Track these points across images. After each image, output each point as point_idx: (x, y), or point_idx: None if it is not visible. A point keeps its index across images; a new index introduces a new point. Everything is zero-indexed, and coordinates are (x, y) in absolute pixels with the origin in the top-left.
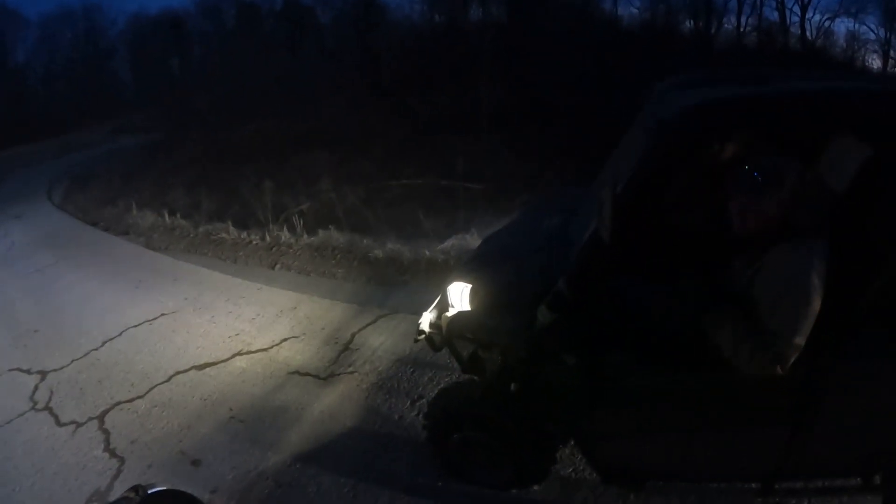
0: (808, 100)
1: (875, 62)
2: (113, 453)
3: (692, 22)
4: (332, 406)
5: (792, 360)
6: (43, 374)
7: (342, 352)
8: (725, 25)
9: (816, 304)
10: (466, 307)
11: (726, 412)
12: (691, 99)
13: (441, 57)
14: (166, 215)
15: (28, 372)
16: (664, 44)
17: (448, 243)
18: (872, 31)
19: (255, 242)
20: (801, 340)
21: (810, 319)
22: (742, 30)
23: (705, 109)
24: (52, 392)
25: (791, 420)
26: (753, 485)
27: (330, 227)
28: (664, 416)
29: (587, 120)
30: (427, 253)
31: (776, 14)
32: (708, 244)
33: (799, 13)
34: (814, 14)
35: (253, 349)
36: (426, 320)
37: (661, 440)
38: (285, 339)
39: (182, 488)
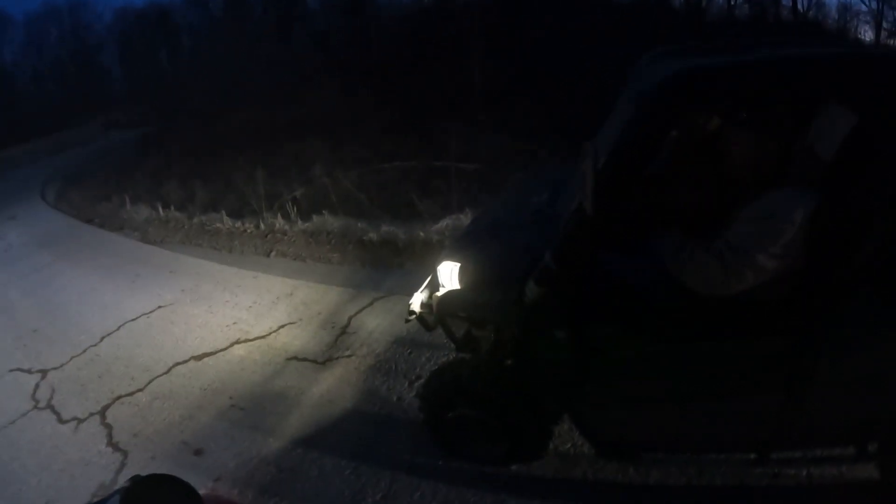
0: (791, 66)
1: (867, 33)
2: (116, 447)
3: None
4: (331, 390)
5: (748, 280)
6: (43, 373)
7: (339, 336)
8: None
9: (788, 234)
10: (456, 286)
11: (718, 381)
12: (671, 69)
13: (431, 37)
14: (160, 208)
15: (29, 371)
16: (656, 17)
17: (442, 224)
18: (864, 2)
19: (249, 231)
20: (763, 261)
21: (778, 246)
22: (734, 2)
23: (685, 78)
24: (53, 390)
25: (784, 388)
26: (750, 455)
27: (324, 212)
28: (655, 386)
29: (580, 95)
30: (422, 234)
31: None
32: (699, 213)
33: None
34: None
35: (251, 337)
36: (417, 301)
37: (653, 411)
38: (283, 326)
39: (185, 478)
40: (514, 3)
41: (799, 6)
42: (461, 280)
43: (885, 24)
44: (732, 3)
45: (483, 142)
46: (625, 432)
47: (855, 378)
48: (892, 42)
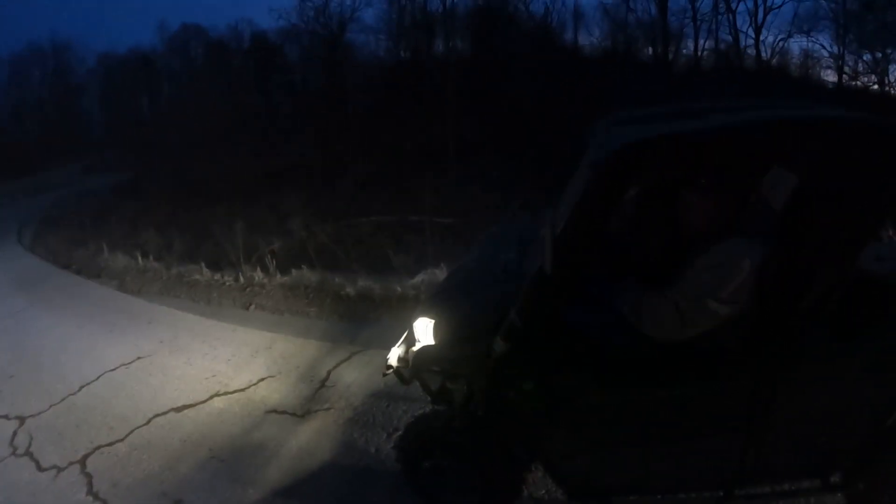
0: (733, 134)
1: (830, 77)
2: (96, 496)
3: (651, 49)
4: (311, 442)
5: (702, 325)
6: (21, 420)
7: (318, 389)
8: (682, 50)
9: (738, 280)
10: (431, 341)
11: (681, 424)
12: (622, 138)
13: (406, 92)
14: (139, 257)
15: (6, 418)
16: (624, 71)
17: (418, 278)
18: (825, 48)
19: (228, 283)
20: (715, 307)
21: (728, 292)
22: (700, 54)
23: (634, 148)
24: (31, 437)
25: (745, 427)
26: (719, 493)
27: (302, 266)
28: (620, 432)
29: (550, 149)
30: (398, 289)
31: (731, 37)
32: (656, 265)
33: (753, 35)
34: (767, 35)
35: (230, 389)
36: (394, 355)
37: (620, 456)
38: (262, 379)
39: None
40: (488, 60)
41: (763, 54)
42: (435, 335)
43: (846, 69)
44: (699, 54)
45: (457, 195)
46: (595, 477)
47: (814, 413)
48: (854, 84)
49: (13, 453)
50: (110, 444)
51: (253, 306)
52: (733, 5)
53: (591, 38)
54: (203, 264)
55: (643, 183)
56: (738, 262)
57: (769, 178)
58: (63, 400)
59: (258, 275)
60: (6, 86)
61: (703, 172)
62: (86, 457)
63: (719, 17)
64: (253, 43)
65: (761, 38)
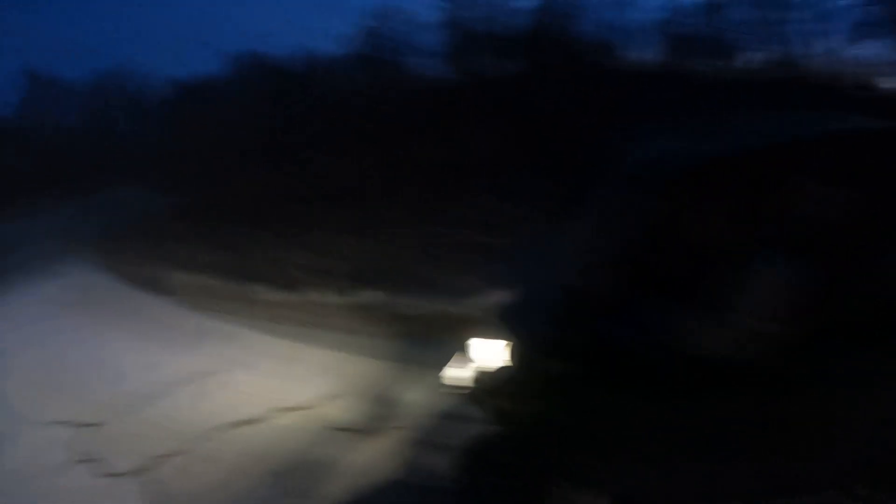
0: (777, 152)
1: (887, 84)
2: None
3: (699, 62)
4: (372, 459)
5: (738, 341)
6: (85, 428)
7: (380, 408)
8: (732, 64)
9: (771, 297)
10: (493, 363)
11: (715, 437)
12: (655, 155)
13: (457, 110)
14: (205, 276)
15: (71, 425)
16: (672, 85)
17: (480, 299)
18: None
19: (292, 302)
20: (750, 324)
21: (763, 309)
22: (754, 65)
23: (662, 166)
24: (94, 445)
25: (781, 440)
26: None
27: (366, 285)
28: (662, 446)
29: (589, 165)
30: (462, 310)
31: (782, 48)
32: (693, 282)
33: (805, 45)
34: (826, 43)
35: (294, 406)
36: (454, 375)
37: (657, 469)
38: (325, 397)
39: None
40: (524, 77)
41: (814, 64)
42: (496, 357)
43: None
44: (754, 65)
45: (504, 212)
46: (640, 491)
47: (840, 426)
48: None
49: (75, 460)
50: (172, 456)
51: (316, 325)
52: (788, 14)
53: (637, 52)
54: (267, 283)
55: (686, 199)
56: (774, 279)
57: (798, 194)
58: (127, 410)
59: (322, 295)
60: (72, 111)
61: (748, 188)
62: (146, 466)
63: (769, 27)
64: (309, 68)
65: (814, 47)
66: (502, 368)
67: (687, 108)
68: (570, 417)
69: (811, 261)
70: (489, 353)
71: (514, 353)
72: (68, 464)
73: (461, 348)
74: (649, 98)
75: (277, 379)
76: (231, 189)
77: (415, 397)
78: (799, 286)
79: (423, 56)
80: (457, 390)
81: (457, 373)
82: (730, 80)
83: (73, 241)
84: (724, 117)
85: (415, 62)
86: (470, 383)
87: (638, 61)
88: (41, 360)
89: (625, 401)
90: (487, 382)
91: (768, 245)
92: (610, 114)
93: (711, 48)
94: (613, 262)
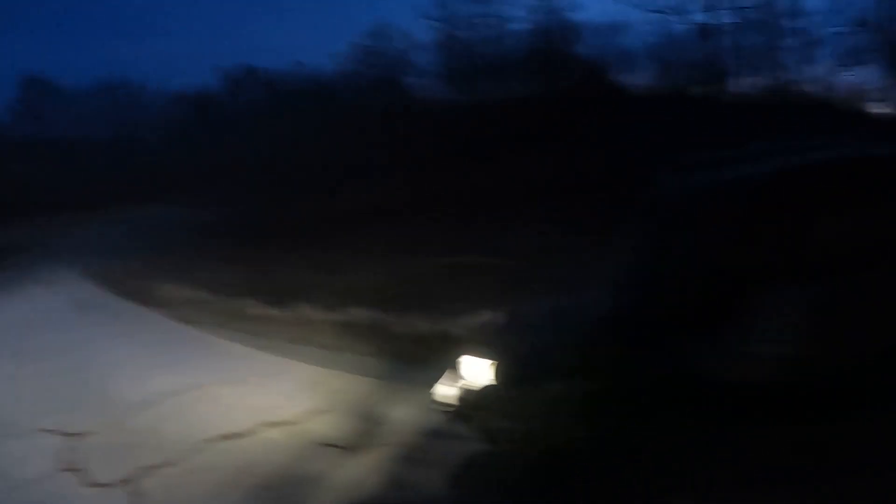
0: (798, 177)
1: (881, 109)
2: None
3: (702, 87)
4: (360, 476)
5: (767, 367)
6: (73, 437)
7: (369, 425)
8: (732, 88)
9: (795, 324)
10: (485, 381)
11: (733, 468)
12: (684, 185)
13: (468, 133)
14: (197, 289)
15: (58, 433)
16: (678, 110)
17: (473, 319)
18: (873, 80)
19: (283, 318)
20: (777, 349)
21: (787, 334)
22: (749, 91)
23: (702, 193)
24: (81, 454)
25: (799, 471)
26: None
27: (357, 303)
28: (676, 475)
29: (613, 191)
30: (453, 329)
31: (778, 73)
32: (719, 304)
33: (801, 70)
34: (818, 68)
35: (282, 421)
36: (444, 392)
37: (676, 500)
38: (313, 412)
39: None
40: (559, 102)
41: (812, 89)
42: (490, 374)
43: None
44: (749, 91)
45: (518, 236)
46: None
47: (868, 456)
48: None
49: (62, 468)
50: (160, 467)
51: (307, 342)
52: (781, 42)
53: (644, 76)
54: (260, 298)
55: (705, 226)
56: (798, 306)
57: (832, 219)
58: (116, 420)
59: (313, 311)
60: (75, 120)
61: (771, 215)
62: (134, 477)
63: (767, 52)
64: (312, 85)
65: (810, 72)
66: (494, 387)
67: (690, 133)
68: (578, 440)
69: (833, 286)
70: (480, 372)
71: (507, 373)
72: (54, 473)
73: (452, 366)
74: (653, 123)
75: (266, 393)
76: (222, 204)
77: (404, 414)
78: (822, 311)
79: (419, 76)
80: (446, 408)
81: (447, 390)
82: (726, 104)
83: (64, 252)
84: (732, 143)
85: (411, 82)
86: (460, 401)
87: (633, 85)
88: (29, 369)
89: (639, 426)
90: (478, 400)
91: (792, 271)
92: (613, 139)
93: (705, 73)
94: (636, 288)
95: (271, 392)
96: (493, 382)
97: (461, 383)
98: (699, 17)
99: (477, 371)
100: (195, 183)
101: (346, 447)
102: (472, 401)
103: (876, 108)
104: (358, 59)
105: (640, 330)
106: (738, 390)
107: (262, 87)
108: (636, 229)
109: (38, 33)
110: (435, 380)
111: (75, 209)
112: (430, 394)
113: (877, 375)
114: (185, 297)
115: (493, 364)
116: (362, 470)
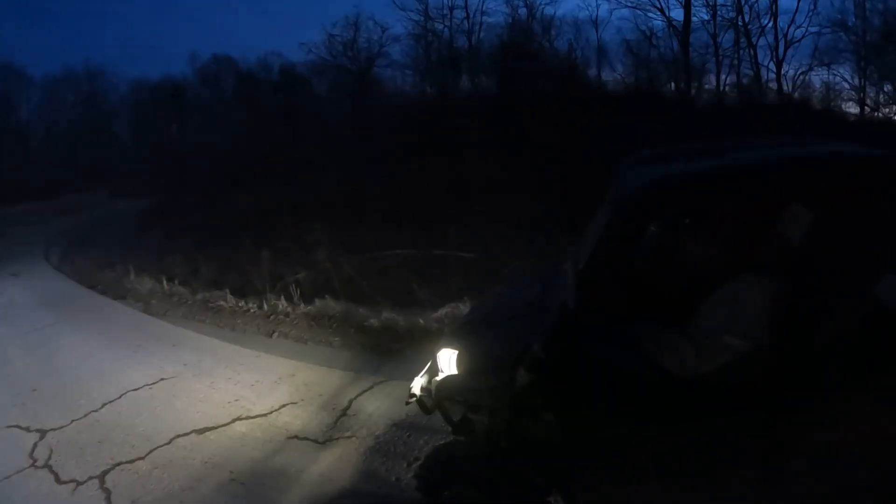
0: (752, 173)
1: (852, 109)
2: None
3: (673, 84)
4: (331, 469)
5: (719, 359)
6: (42, 433)
7: (340, 417)
8: (705, 85)
9: (752, 314)
10: (454, 372)
11: (699, 458)
12: (644, 177)
13: (433, 128)
14: (164, 281)
15: (27, 430)
16: (647, 107)
17: (441, 312)
18: (846, 80)
19: (252, 311)
20: (731, 342)
21: (744, 324)
22: (722, 89)
23: (655, 188)
24: (51, 450)
25: (761, 461)
26: None
27: (326, 296)
28: (638, 464)
29: (575, 186)
30: (421, 321)
31: (753, 72)
32: (677, 296)
33: (775, 69)
34: (789, 69)
35: (252, 414)
36: (417, 385)
37: (638, 488)
38: (284, 405)
39: None
40: (514, 97)
41: (785, 88)
42: (458, 366)
43: (868, 101)
44: (722, 89)
45: (482, 231)
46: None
47: (832, 447)
48: (876, 115)
49: (33, 465)
50: (131, 462)
51: (276, 334)
52: (754, 40)
53: (614, 74)
54: (228, 291)
55: (664, 220)
56: (753, 296)
57: (787, 214)
58: (85, 416)
59: (282, 303)
60: (40, 109)
61: (722, 210)
62: (105, 472)
63: (741, 51)
64: (282, 76)
65: (783, 71)
66: (471, 378)
67: (663, 129)
68: (545, 430)
69: (801, 281)
70: (452, 363)
71: (479, 364)
72: (26, 469)
73: (424, 358)
74: (626, 118)
75: (238, 386)
76: (195, 196)
77: (378, 407)
78: (790, 306)
79: (394, 68)
80: (419, 400)
81: (420, 382)
82: (701, 102)
83: (34, 244)
84: (703, 139)
85: (384, 73)
86: (432, 393)
87: (609, 82)
88: None
89: (607, 417)
90: (456, 392)
91: (756, 263)
92: (586, 133)
93: (681, 71)
94: (602, 281)
95: (243, 385)
96: (465, 373)
97: (433, 375)
98: (675, 14)
99: (448, 362)
100: (163, 172)
101: (319, 440)
102: (444, 392)
103: (848, 108)
104: (332, 50)
105: (602, 322)
106: (701, 383)
107: (233, 76)
108: (598, 222)
109: (6, 20)
110: (406, 372)
111: (41, 198)
112: (402, 386)
113: (838, 369)
114: (155, 289)
115: (464, 355)
116: (336, 462)
